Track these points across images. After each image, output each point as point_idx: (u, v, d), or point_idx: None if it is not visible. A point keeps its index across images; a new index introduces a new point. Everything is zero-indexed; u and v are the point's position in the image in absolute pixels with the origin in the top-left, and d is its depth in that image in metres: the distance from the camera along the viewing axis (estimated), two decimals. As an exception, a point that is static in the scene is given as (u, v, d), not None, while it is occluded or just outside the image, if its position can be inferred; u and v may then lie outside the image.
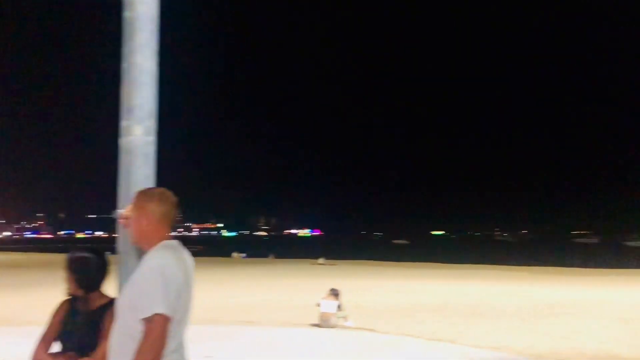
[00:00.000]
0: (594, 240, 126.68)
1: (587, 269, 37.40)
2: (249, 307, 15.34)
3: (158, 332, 2.39)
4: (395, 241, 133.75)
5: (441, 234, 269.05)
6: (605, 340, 10.87)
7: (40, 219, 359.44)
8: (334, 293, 12.11)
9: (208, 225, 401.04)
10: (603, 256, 58.40)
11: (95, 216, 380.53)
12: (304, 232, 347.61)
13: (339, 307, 11.92)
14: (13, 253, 70.12)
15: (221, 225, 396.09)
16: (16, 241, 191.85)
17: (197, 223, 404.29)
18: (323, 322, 11.66)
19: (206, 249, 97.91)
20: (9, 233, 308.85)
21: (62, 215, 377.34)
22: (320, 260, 42.69)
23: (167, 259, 2.55)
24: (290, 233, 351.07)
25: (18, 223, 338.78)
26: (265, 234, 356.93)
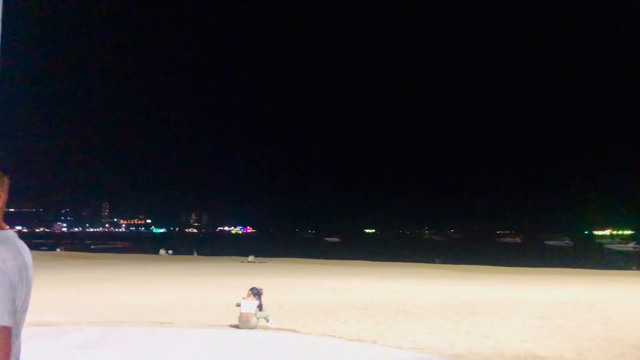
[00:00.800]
0: (517, 240, 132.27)
1: (511, 268, 38.65)
2: (166, 307, 14.57)
3: (2, 347, 1.91)
4: (327, 238, 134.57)
5: (372, 232, 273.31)
6: (525, 339, 10.96)
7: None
8: (255, 292, 11.61)
9: (136, 221, 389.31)
10: (525, 256, 60.90)
11: (13, 210, 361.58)
12: (237, 230, 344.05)
13: (259, 307, 11.44)
14: None
15: (150, 221, 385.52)
16: None
17: (125, 218, 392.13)
18: (243, 323, 11.14)
19: (134, 245, 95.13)
20: None
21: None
22: (250, 258, 42.02)
23: (3, 254, 2.03)
24: (222, 230, 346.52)
25: None
26: (195, 230, 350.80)
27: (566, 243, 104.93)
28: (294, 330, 11.15)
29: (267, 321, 11.43)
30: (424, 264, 42.89)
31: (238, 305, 11.46)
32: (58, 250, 66.91)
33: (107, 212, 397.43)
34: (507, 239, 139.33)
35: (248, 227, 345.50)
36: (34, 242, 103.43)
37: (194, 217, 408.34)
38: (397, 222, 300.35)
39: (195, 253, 57.08)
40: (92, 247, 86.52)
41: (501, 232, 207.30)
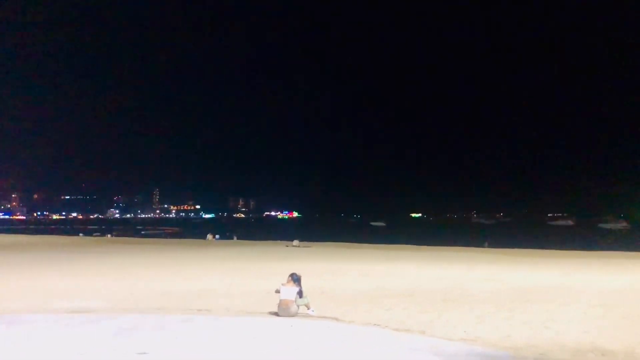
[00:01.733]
0: (569, 222, 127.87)
1: (564, 252, 36.99)
2: (205, 293, 14.22)
3: None
4: (373, 223, 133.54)
5: (419, 217, 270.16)
6: (587, 329, 10.00)
7: (14, 199, 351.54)
8: (295, 279, 11.05)
9: (186, 207, 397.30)
10: (578, 239, 58.51)
11: (69, 197, 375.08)
12: (284, 215, 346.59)
13: (300, 293, 10.87)
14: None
15: (199, 207, 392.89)
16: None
17: (175, 205, 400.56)
18: (282, 311, 10.62)
19: (183, 230, 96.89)
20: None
21: (36, 196, 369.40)
22: (295, 243, 41.79)
23: None
24: (269, 215, 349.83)
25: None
26: (243, 216, 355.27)
27: (623, 226, 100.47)
28: (336, 319, 10.55)
29: (308, 309, 10.87)
30: (472, 248, 41.62)
31: (277, 291, 10.94)
32: (109, 236, 68.62)
33: (157, 198, 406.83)
34: (559, 222, 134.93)
35: (293, 212, 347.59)
36: (88, 227, 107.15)
37: (241, 202, 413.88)
38: (445, 206, 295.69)
39: (235, 238, 57.43)
40: (142, 232, 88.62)
41: (552, 214, 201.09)
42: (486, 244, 45.99)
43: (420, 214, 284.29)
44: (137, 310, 11.33)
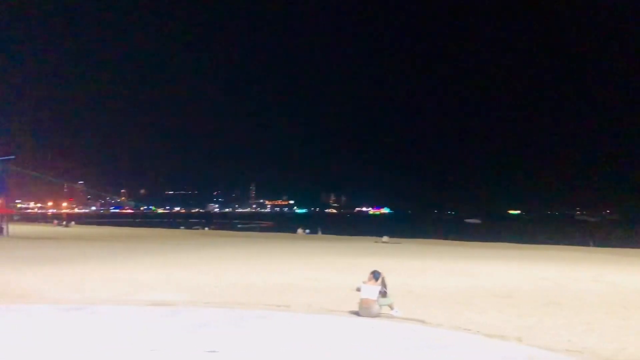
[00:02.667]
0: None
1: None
2: (288, 287, 13.78)
3: None
4: (467, 220, 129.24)
5: (517, 214, 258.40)
6: None
7: (123, 194, 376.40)
8: (376, 276, 10.27)
9: (280, 202, 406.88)
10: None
11: (172, 192, 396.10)
12: (375, 210, 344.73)
13: (383, 292, 10.09)
14: (93, 226, 72.96)
15: (292, 202, 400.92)
16: (101, 215, 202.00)
17: (270, 200, 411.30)
18: (363, 310, 9.89)
19: (276, 224, 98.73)
20: (93, 208, 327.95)
21: (143, 191, 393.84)
22: (384, 239, 40.80)
23: None
24: (360, 211, 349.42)
25: (104, 198, 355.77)
26: (335, 211, 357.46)
27: None
28: (422, 321, 9.67)
29: (392, 309, 10.07)
30: (576, 247, 38.64)
31: (358, 290, 10.22)
32: (206, 229, 71.18)
33: (253, 193, 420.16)
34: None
35: (383, 208, 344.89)
36: (189, 221, 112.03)
37: (333, 198, 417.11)
38: (545, 203, 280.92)
39: (319, 232, 57.47)
40: (238, 225, 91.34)
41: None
42: (592, 242, 42.63)
43: (518, 211, 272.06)
44: (216, 304, 11.06)
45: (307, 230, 57.45)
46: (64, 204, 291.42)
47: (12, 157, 46.61)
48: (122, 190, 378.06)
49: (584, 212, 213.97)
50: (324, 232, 58.28)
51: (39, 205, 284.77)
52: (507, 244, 41.82)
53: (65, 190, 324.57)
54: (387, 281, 10.60)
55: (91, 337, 7.92)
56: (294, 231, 57.06)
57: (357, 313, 10.03)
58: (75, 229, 63.31)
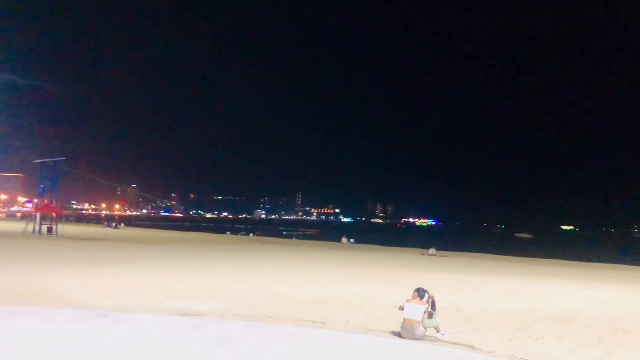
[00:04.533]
0: None
1: None
2: (326, 301, 12.87)
3: None
4: (518, 234, 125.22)
5: (570, 229, 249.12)
6: None
7: (173, 198, 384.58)
8: (420, 294, 9.28)
9: (326, 210, 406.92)
10: None
11: (221, 197, 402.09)
12: (422, 221, 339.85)
13: (428, 313, 9.11)
14: (141, 229, 74.20)
15: (338, 210, 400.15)
16: (151, 218, 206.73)
17: (316, 208, 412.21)
18: (406, 332, 8.93)
19: (321, 233, 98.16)
20: (145, 211, 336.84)
21: (192, 196, 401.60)
22: (431, 251, 39.43)
23: None
24: (407, 221, 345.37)
25: (155, 202, 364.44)
26: (380, 221, 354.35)
27: None
28: (471, 347, 8.63)
29: (437, 331, 9.07)
30: (637, 266, 36.19)
31: (401, 308, 9.26)
32: (252, 235, 71.21)
33: (300, 201, 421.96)
34: None
35: (426, 218, 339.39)
36: (235, 226, 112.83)
37: (379, 207, 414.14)
38: (600, 219, 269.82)
39: (352, 241, 56.48)
40: (283, 232, 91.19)
41: None
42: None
43: (571, 227, 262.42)
44: (246, 316, 10.30)
45: (352, 240, 56.54)
46: (117, 206, 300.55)
47: (62, 158, 47.69)
48: (173, 195, 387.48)
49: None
50: (368, 242, 57.23)
51: (92, 206, 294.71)
52: (561, 261, 39.74)
53: (118, 192, 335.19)
54: (435, 300, 9.59)
55: (109, 348, 7.29)
56: (339, 240, 56.24)
57: (398, 334, 9.08)
58: (123, 230, 64.34)
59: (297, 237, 73.74)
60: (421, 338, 8.83)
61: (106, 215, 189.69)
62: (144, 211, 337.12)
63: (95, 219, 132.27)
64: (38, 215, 46.37)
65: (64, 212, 67.85)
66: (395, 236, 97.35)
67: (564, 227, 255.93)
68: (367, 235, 73.29)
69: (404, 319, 9.01)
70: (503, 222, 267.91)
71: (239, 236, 65.91)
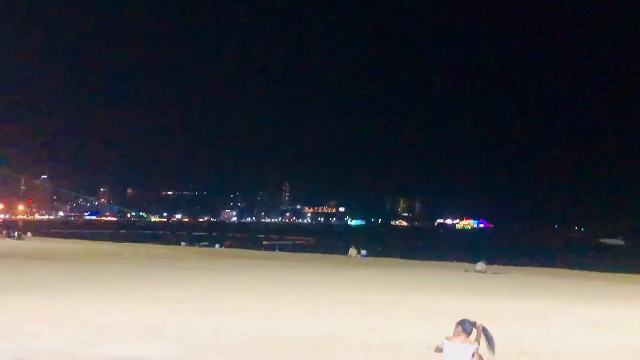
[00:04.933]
0: None
1: None
2: (329, 341, 13.14)
3: None
4: (605, 240, 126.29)
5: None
6: None
7: (102, 195, 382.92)
8: (466, 329, 9.28)
9: (326, 209, 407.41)
10: None
11: (171, 193, 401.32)
12: (466, 223, 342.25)
13: (478, 355, 9.12)
14: (56, 239, 74.47)
15: (343, 209, 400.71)
16: (70, 224, 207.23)
17: (311, 205, 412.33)
18: (447, 384, 8.95)
19: (319, 242, 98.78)
20: (61, 213, 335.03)
21: (130, 190, 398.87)
22: (479, 266, 39.63)
23: None
24: (444, 224, 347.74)
25: (76, 200, 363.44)
26: (405, 223, 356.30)
27: None
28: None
29: (493, 383, 9.09)
30: None
31: (439, 350, 9.28)
32: (217, 246, 71.09)
33: (287, 197, 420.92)
34: None
35: (484, 221, 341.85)
36: (194, 234, 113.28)
37: (403, 205, 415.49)
38: None
39: (363, 253, 56.17)
40: (263, 242, 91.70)
41: None
42: None
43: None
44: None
45: (364, 252, 56.62)
46: (20, 208, 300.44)
47: None
48: (102, 190, 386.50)
49: None
50: (387, 254, 57.49)
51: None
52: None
53: (22, 187, 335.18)
54: (490, 335, 9.60)
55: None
56: (345, 252, 56.47)
57: (437, 388, 9.12)
58: (30, 242, 64.63)
59: (284, 248, 74.12)
60: (469, 393, 8.85)
61: (4, 221, 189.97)
62: (60, 214, 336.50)
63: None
64: None
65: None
66: (426, 245, 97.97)
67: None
68: (385, 244, 73.71)
69: (444, 366, 9.03)
70: (582, 224, 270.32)
71: (198, 248, 66.17)
